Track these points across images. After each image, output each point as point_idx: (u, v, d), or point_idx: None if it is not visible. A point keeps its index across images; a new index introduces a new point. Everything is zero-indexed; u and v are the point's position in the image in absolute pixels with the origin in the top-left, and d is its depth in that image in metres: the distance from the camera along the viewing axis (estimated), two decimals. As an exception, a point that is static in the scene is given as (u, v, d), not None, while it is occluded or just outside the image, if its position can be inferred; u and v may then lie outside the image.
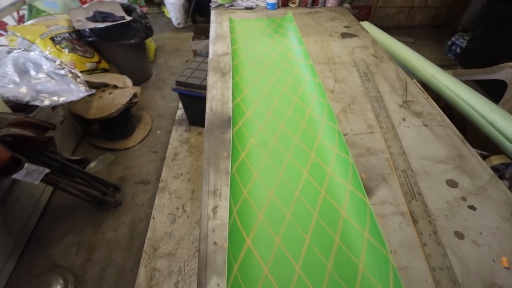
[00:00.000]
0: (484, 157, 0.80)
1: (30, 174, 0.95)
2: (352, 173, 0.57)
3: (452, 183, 0.58)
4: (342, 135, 0.65)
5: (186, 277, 1.11)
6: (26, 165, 0.92)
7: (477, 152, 0.70)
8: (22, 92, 1.19)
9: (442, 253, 0.48)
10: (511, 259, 0.47)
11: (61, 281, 1.15)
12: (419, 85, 0.91)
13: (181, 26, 3.13)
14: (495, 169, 0.86)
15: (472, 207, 0.54)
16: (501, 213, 0.53)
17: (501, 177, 0.92)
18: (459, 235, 0.50)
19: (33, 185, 1.29)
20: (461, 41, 2.24)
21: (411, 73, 1.05)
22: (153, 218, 1.31)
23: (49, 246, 1.26)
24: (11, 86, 1.23)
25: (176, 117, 1.86)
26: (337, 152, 0.62)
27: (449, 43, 2.35)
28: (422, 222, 0.52)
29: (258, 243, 0.50)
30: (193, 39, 2.31)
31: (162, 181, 1.46)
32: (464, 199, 0.55)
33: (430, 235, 0.50)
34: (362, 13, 2.85)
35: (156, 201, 1.37)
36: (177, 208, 1.34)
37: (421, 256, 0.48)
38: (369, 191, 0.57)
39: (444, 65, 1.98)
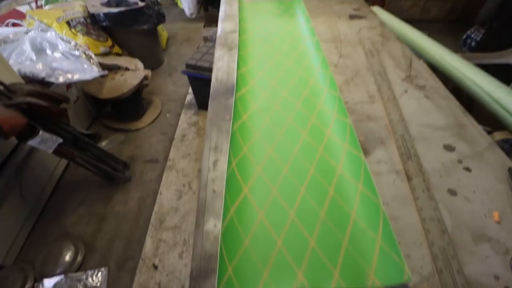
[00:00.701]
0: (487, 133, 0.80)
1: (45, 142, 1.00)
2: (349, 134, 0.59)
3: (449, 148, 0.59)
4: (343, 101, 0.66)
5: (191, 248, 1.14)
6: (41, 132, 0.97)
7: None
8: (38, 69, 1.24)
9: (433, 206, 0.49)
10: (502, 214, 0.48)
11: (72, 248, 1.21)
12: (425, 64, 0.91)
13: (193, 16, 3.17)
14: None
15: (467, 169, 0.55)
16: (497, 175, 0.54)
17: (509, 157, 0.92)
18: (452, 192, 0.51)
19: (47, 158, 1.35)
20: (476, 34, 2.20)
21: (419, 54, 1.05)
22: (160, 193, 1.35)
23: (61, 216, 1.31)
24: (28, 63, 1.29)
25: (186, 102, 1.90)
26: (337, 116, 0.64)
27: (464, 37, 2.31)
28: (416, 179, 0.53)
29: (255, 191, 0.52)
30: (204, 27, 2.35)
31: (170, 160, 1.50)
32: (460, 161, 0.56)
33: (423, 190, 0.51)
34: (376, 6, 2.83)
35: (163, 178, 1.41)
36: (184, 185, 1.37)
37: (413, 208, 0.49)
38: (366, 152, 0.58)
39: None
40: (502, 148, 0.85)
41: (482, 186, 0.52)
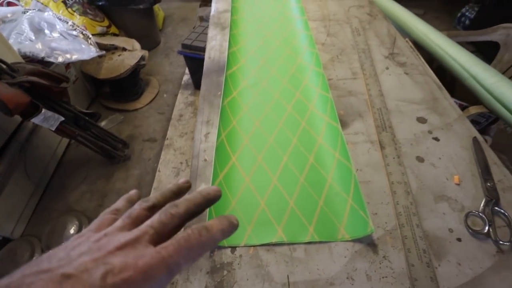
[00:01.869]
0: (463, 108, 0.85)
1: (47, 120, 1.04)
2: (330, 108, 0.63)
3: (422, 120, 0.64)
4: (325, 78, 0.71)
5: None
6: (43, 110, 1.01)
7: (457, 103, 0.76)
8: (38, 48, 1.27)
9: (402, 171, 0.54)
10: (462, 178, 0.53)
11: (76, 222, 1.28)
12: (410, 42, 0.94)
13: (189, -4, 3.12)
14: (475, 122, 0.90)
15: (436, 138, 0.60)
16: (462, 144, 0.59)
17: (485, 133, 0.97)
18: (420, 159, 0.57)
19: (50, 137, 1.40)
20: (470, 12, 2.20)
21: (406, 33, 1.08)
22: (159, 171, 1.41)
23: (65, 192, 1.38)
24: (27, 42, 1.31)
25: (183, 82, 1.93)
26: (320, 92, 0.68)
27: (459, 14, 2.30)
28: (389, 148, 0.58)
29: (242, 160, 0.58)
30: (200, 6, 2.34)
31: (167, 139, 1.55)
32: (430, 132, 0.61)
33: (394, 158, 0.57)
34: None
35: (162, 157, 1.47)
36: (181, 163, 1.43)
37: (383, 173, 0.55)
38: (345, 124, 0.63)
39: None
40: (478, 122, 0.90)
41: (448, 153, 0.57)
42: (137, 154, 1.53)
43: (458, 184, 0.53)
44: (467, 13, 2.23)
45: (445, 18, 2.58)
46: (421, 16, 2.64)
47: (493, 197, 0.49)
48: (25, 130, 1.27)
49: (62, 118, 1.10)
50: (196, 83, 1.83)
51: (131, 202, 0.27)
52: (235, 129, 0.63)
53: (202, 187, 0.54)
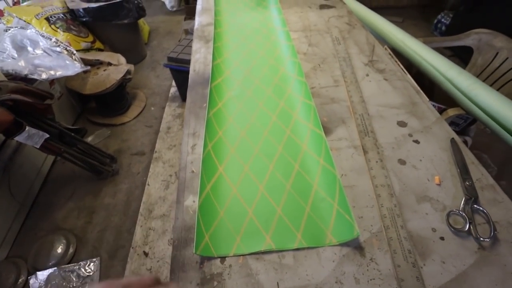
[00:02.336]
0: (442, 110, 0.88)
1: (31, 138, 1.03)
2: (313, 116, 0.65)
3: (402, 124, 0.66)
4: (308, 87, 0.72)
5: (173, 230, 1.20)
6: (27, 128, 1.00)
7: (435, 106, 0.78)
8: (21, 66, 1.26)
9: (385, 174, 0.56)
10: (443, 178, 0.55)
11: (64, 241, 1.25)
12: (389, 49, 0.98)
13: (174, 9, 3.16)
14: (454, 123, 0.94)
15: (416, 141, 0.62)
16: (441, 145, 0.61)
17: (465, 133, 1.01)
18: (402, 162, 0.59)
19: (34, 155, 1.37)
20: (446, 19, 2.30)
21: (384, 41, 1.12)
22: (148, 184, 1.40)
23: (51, 210, 1.35)
24: (9, 60, 1.30)
25: (170, 95, 1.94)
26: (303, 100, 0.70)
27: (435, 21, 2.41)
28: (372, 152, 0.60)
29: (229, 170, 0.58)
30: (185, 19, 2.37)
31: (156, 152, 1.55)
32: (410, 135, 0.64)
33: (376, 161, 0.58)
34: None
35: (150, 170, 1.46)
36: (170, 175, 1.43)
37: (367, 177, 0.56)
38: (328, 131, 0.65)
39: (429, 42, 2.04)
40: (457, 124, 0.94)
41: (428, 155, 0.59)
42: (126, 169, 1.52)
43: (439, 185, 0.54)
44: (443, 20, 2.33)
45: (423, 25, 2.69)
46: (400, 23, 2.74)
47: (472, 196, 0.51)
48: (9, 148, 1.25)
49: (47, 135, 1.08)
50: (183, 96, 1.84)
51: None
52: (221, 139, 0.63)
53: (190, 199, 0.54)
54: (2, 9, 1.90)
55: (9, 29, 1.44)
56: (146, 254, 1.20)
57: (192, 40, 1.74)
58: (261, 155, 0.61)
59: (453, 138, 0.61)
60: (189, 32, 1.95)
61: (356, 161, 0.59)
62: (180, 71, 1.63)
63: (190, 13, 2.40)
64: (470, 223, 0.47)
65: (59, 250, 1.24)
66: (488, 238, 0.45)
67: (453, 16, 2.20)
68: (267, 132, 0.65)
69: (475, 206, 0.50)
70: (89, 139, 1.66)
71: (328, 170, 0.56)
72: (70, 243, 1.26)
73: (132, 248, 1.21)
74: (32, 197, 1.37)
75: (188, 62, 1.56)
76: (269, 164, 0.59)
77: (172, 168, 1.46)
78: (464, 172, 0.55)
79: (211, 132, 0.64)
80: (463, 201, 0.51)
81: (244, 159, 0.60)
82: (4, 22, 1.76)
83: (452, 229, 0.47)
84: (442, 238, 0.47)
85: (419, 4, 3.09)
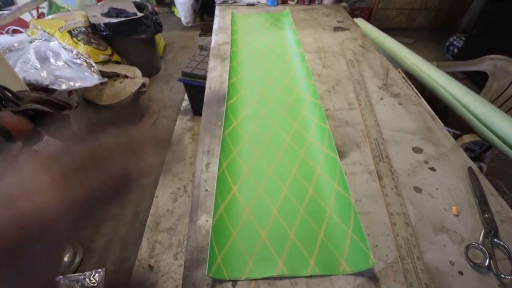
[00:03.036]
0: (457, 136, 0.87)
1: (48, 146, 1.05)
2: (328, 138, 0.65)
3: (417, 150, 0.66)
4: (323, 109, 0.73)
5: (185, 250, 1.19)
6: (45, 137, 1.02)
7: (450, 131, 0.78)
8: (43, 76, 1.30)
9: (400, 202, 0.55)
10: (460, 208, 0.54)
11: (71, 249, 1.25)
12: (402, 73, 0.98)
13: (189, 25, 3.25)
14: (470, 149, 0.92)
15: (432, 169, 0.61)
16: (458, 174, 0.60)
17: (480, 160, 0.99)
18: (418, 190, 0.58)
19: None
20: (458, 41, 2.30)
21: (397, 64, 1.13)
22: (157, 196, 1.40)
23: (60, 219, 1.36)
24: (32, 71, 1.35)
25: (182, 108, 1.97)
26: (317, 122, 0.70)
27: (447, 43, 2.41)
28: (387, 178, 0.59)
29: (242, 191, 0.58)
30: (199, 36, 2.43)
31: (166, 164, 1.56)
32: (426, 162, 0.63)
33: (392, 188, 0.58)
34: (363, 15, 2.93)
35: (159, 182, 1.47)
36: (179, 189, 1.43)
37: (382, 204, 0.55)
38: (343, 155, 0.65)
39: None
40: (473, 150, 0.92)
41: (445, 183, 0.58)
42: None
43: (456, 215, 0.53)
44: (455, 42, 2.34)
45: (434, 46, 2.70)
46: (411, 45, 2.76)
47: (492, 229, 0.50)
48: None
49: (63, 144, 1.10)
50: (195, 109, 1.86)
51: None
52: (236, 159, 0.64)
53: (203, 219, 0.54)
54: (27, 21, 1.99)
55: (33, 41, 1.50)
56: (151, 267, 1.19)
57: (206, 56, 1.78)
58: (275, 176, 0.61)
59: (470, 167, 0.60)
60: (203, 48, 2.00)
61: (371, 187, 0.58)
62: (193, 86, 1.66)
63: (204, 30, 2.48)
64: (490, 258, 0.46)
65: (66, 259, 1.24)
66: (509, 275, 0.44)
67: (465, 39, 2.21)
68: (281, 153, 0.65)
69: (495, 240, 0.48)
70: (102, 149, 1.69)
71: (342, 195, 0.55)
72: (77, 252, 1.26)
73: (138, 260, 1.20)
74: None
75: (201, 77, 1.60)
76: (282, 186, 0.59)
77: (180, 181, 1.47)
78: (482, 203, 0.54)
79: (226, 151, 0.65)
80: (482, 234, 0.50)
81: (258, 180, 0.60)
82: (29, 34, 1.84)
83: (471, 264, 0.46)
84: (460, 273, 0.45)
85: (430, 26, 3.12)
